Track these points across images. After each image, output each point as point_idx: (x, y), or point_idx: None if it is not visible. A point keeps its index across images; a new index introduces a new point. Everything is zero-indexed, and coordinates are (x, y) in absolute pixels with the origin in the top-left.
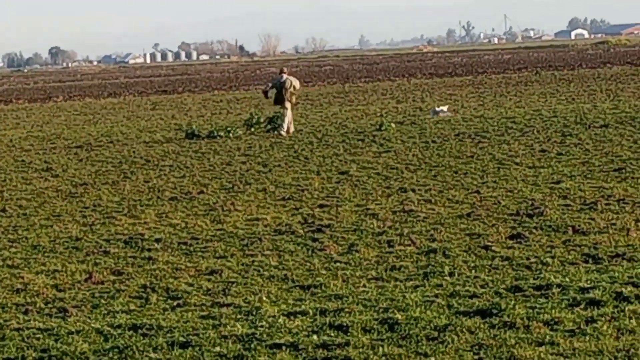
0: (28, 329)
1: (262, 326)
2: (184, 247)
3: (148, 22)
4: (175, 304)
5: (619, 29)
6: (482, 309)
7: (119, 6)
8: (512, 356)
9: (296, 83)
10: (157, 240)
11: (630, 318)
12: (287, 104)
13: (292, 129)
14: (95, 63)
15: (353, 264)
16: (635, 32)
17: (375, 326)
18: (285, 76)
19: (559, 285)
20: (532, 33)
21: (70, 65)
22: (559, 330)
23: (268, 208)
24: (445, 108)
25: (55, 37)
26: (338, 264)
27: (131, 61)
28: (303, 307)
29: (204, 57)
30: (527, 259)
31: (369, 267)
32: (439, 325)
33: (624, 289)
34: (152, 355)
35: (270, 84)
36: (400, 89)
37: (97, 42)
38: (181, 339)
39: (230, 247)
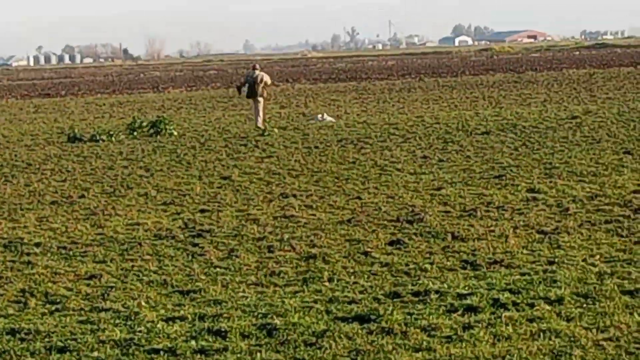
0: None
1: (140, 331)
2: (63, 251)
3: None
4: (53, 308)
5: (503, 37)
6: (360, 314)
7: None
8: None
9: (267, 78)
10: (37, 245)
11: (507, 324)
12: (260, 98)
13: (260, 121)
14: None
15: (233, 269)
16: (519, 39)
17: (253, 332)
18: (257, 72)
19: (437, 292)
20: (416, 39)
21: None
22: (436, 337)
23: (149, 213)
24: (327, 116)
25: None
26: (218, 269)
27: (14, 64)
28: (182, 312)
29: (88, 60)
30: (406, 265)
31: (248, 273)
32: (317, 331)
33: (501, 296)
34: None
35: (243, 79)
36: (284, 94)
37: None
38: (59, 343)
39: (110, 251)
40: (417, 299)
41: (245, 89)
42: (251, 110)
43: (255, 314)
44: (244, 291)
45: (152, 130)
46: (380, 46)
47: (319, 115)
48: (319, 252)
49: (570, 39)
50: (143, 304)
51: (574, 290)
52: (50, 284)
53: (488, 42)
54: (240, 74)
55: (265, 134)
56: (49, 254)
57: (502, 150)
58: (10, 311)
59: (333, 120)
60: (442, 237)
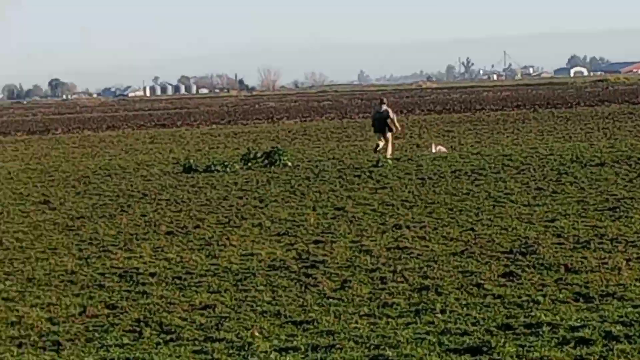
0: None
1: None
2: (178, 281)
3: (148, 55)
4: (168, 338)
5: (618, 67)
6: (472, 346)
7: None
8: None
9: (392, 115)
10: (152, 275)
11: (619, 357)
12: (388, 134)
13: (388, 154)
14: (95, 95)
15: (346, 300)
16: (634, 70)
17: None
18: (384, 107)
19: (549, 324)
20: (531, 70)
21: (69, 97)
22: None
23: (263, 243)
24: (442, 148)
25: (55, 69)
26: (331, 300)
27: (131, 94)
28: (295, 342)
29: (204, 90)
30: (519, 297)
31: (361, 304)
32: None
33: (613, 328)
34: None
35: (371, 115)
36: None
37: (97, 75)
38: None
39: (224, 282)
40: (529, 331)
41: (374, 126)
42: (375, 142)
43: (368, 345)
44: (356, 322)
45: (266, 161)
46: (495, 77)
47: (433, 146)
48: (431, 283)
49: None
50: (256, 334)
51: None
52: (165, 314)
53: (603, 73)
54: (355, 104)
55: (380, 165)
56: (164, 284)
57: (616, 182)
58: (126, 341)
59: (444, 150)
60: (555, 269)
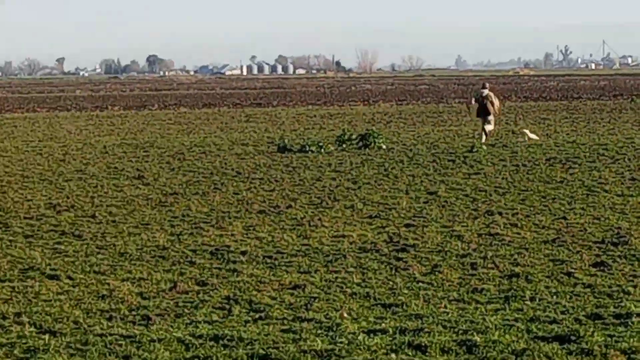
0: (111, 335)
1: (341, 342)
2: (268, 260)
3: (246, 34)
4: (257, 316)
5: None
6: (561, 335)
7: (217, 16)
8: None
9: (496, 101)
10: (243, 253)
11: None
12: (490, 117)
13: (484, 139)
14: (192, 73)
15: (435, 284)
16: None
17: (453, 347)
18: (486, 91)
19: (639, 315)
20: (630, 60)
21: (167, 74)
22: None
23: (354, 225)
24: (534, 136)
25: (153, 46)
26: (420, 284)
27: (227, 72)
28: (383, 325)
29: (301, 71)
30: (609, 287)
31: (450, 289)
32: (517, 349)
33: None
34: None
35: (472, 97)
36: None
37: (194, 52)
38: (261, 351)
39: (314, 262)
40: (618, 321)
41: (473, 107)
42: (477, 127)
43: (456, 329)
44: (445, 307)
45: (360, 143)
46: (593, 66)
47: (528, 133)
48: (521, 270)
49: None
50: (345, 315)
51: None
52: (254, 292)
53: None
54: (451, 89)
55: (474, 150)
56: (254, 263)
57: None
58: (215, 317)
59: (535, 137)
60: None
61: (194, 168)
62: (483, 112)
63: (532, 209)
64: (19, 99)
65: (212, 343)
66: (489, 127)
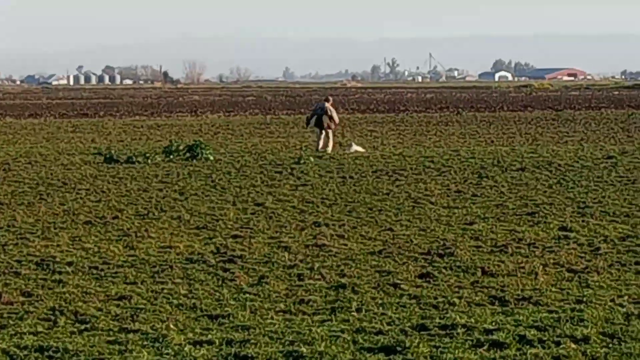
0: None
1: (167, 354)
2: (95, 271)
3: (72, 43)
4: (83, 327)
5: (543, 74)
6: (387, 346)
7: (43, 26)
8: None
9: (335, 115)
10: (69, 264)
11: None
12: (328, 130)
13: (329, 150)
14: (18, 82)
15: (262, 295)
16: (559, 77)
17: (280, 359)
18: (327, 104)
19: (464, 326)
20: (456, 73)
21: None
22: None
23: (181, 236)
24: (359, 148)
25: None
26: (247, 295)
27: (54, 82)
28: (210, 336)
29: (128, 81)
30: (435, 298)
31: (277, 300)
32: None
33: (527, 332)
34: None
35: (311, 109)
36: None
37: (20, 61)
38: None
39: (141, 273)
40: (444, 332)
41: (312, 121)
42: (312, 137)
43: (283, 341)
44: (272, 318)
45: (188, 154)
46: (420, 79)
47: (352, 145)
48: (348, 282)
49: (610, 79)
50: (171, 326)
51: (600, 330)
52: (80, 304)
53: (528, 79)
54: (279, 101)
55: (301, 162)
56: (80, 274)
57: (536, 187)
58: (40, 329)
59: (362, 150)
60: (472, 272)
61: (20, 178)
62: (320, 124)
63: (358, 220)
64: None
65: (37, 354)
66: (330, 142)
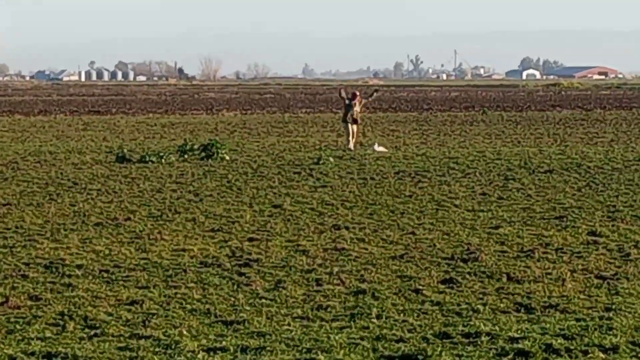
0: None
1: None
2: (105, 275)
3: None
4: (92, 333)
5: (572, 72)
6: (407, 354)
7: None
8: None
9: (357, 107)
10: (79, 267)
11: None
12: (353, 125)
13: (351, 146)
14: (27, 78)
15: (279, 301)
16: (589, 75)
17: None
18: (355, 102)
19: (488, 334)
20: (482, 71)
21: (1, 79)
22: None
23: (196, 239)
24: (382, 148)
25: None
26: (263, 300)
27: (65, 78)
28: (224, 343)
29: (141, 78)
30: (458, 305)
31: (294, 305)
32: None
33: (554, 341)
34: None
35: (346, 100)
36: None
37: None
38: None
39: (153, 277)
40: (467, 340)
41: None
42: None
43: (300, 348)
44: (289, 324)
45: (203, 154)
46: (444, 76)
47: (375, 145)
48: (368, 287)
49: None
50: (184, 332)
51: (630, 339)
52: (90, 308)
53: (557, 77)
54: (298, 99)
55: (321, 162)
56: (90, 277)
57: (564, 190)
58: (48, 334)
59: (384, 150)
60: (497, 278)
61: (29, 178)
62: (347, 119)
63: (380, 223)
64: None
65: None
66: (354, 138)
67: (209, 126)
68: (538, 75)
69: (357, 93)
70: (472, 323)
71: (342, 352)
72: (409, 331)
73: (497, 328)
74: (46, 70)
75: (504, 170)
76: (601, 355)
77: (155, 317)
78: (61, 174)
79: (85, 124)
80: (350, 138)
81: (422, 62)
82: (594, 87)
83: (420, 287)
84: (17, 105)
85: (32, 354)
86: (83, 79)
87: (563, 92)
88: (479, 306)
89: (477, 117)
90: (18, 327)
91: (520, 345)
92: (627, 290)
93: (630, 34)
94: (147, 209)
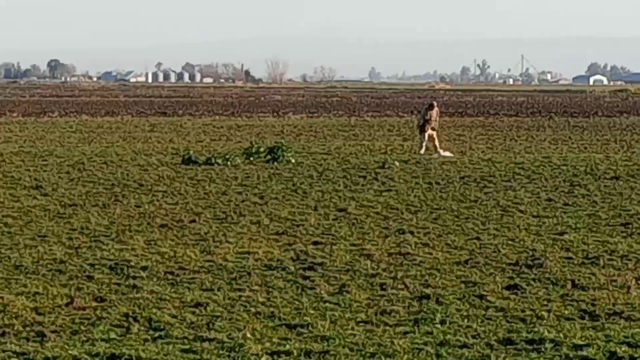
0: (4, 351)
1: None
2: (170, 276)
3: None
4: (156, 335)
5: None
6: None
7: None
8: None
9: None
10: (144, 268)
11: None
12: (429, 133)
13: (422, 151)
14: (94, 79)
15: (343, 305)
16: None
17: None
18: (432, 110)
19: (552, 341)
20: (549, 76)
21: (68, 79)
22: None
23: (260, 242)
24: (448, 153)
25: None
26: (327, 304)
27: (132, 79)
28: (288, 346)
29: (208, 79)
30: (522, 311)
31: (358, 310)
32: None
33: (618, 349)
34: None
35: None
36: (407, 126)
37: (98, 57)
38: None
39: (218, 279)
40: (531, 347)
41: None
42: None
43: (363, 353)
44: (352, 328)
45: (269, 157)
46: (511, 81)
47: (440, 150)
48: (432, 292)
49: None
50: (248, 335)
51: None
52: (154, 310)
53: (624, 83)
54: (364, 102)
55: (386, 166)
56: (155, 279)
57: (630, 196)
58: (112, 335)
59: (450, 155)
60: (562, 284)
61: (95, 179)
62: (423, 128)
63: (444, 228)
64: None
65: None
66: (434, 140)
67: (275, 129)
68: (605, 81)
69: (435, 103)
70: (536, 330)
71: (405, 357)
72: (473, 337)
73: (561, 335)
74: (113, 71)
75: (569, 176)
76: None
77: (219, 319)
78: (127, 175)
79: (151, 125)
80: (437, 143)
81: (488, 67)
82: None
83: (485, 293)
84: (84, 106)
85: (97, 355)
86: (150, 80)
87: (630, 99)
88: (543, 313)
89: (544, 123)
90: (83, 328)
91: (584, 353)
92: None
93: None
94: (212, 211)
